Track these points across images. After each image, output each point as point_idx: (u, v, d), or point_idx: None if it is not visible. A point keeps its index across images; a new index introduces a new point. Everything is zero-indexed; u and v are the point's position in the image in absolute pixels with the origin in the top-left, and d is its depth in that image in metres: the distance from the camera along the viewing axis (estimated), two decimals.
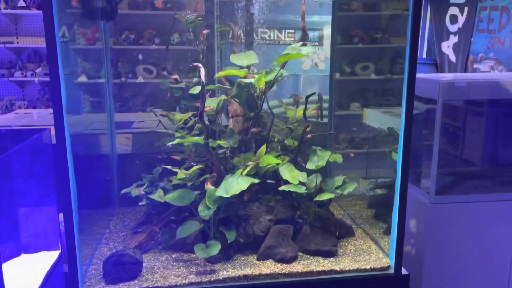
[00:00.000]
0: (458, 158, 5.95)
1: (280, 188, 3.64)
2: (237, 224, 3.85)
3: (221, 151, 3.67)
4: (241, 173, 3.70)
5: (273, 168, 3.79)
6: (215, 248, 3.54)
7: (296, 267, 3.58)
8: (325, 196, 3.65)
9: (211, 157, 3.74)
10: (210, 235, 3.73)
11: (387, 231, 4.15)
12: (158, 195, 3.85)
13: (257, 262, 3.42)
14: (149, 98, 7.81)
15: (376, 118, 5.94)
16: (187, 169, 3.91)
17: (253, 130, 3.79)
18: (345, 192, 3.63)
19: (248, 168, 3.70)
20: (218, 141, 3.73)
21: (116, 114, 5.55)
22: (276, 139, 3.95)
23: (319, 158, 3.79)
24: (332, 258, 3.72)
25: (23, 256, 3.88)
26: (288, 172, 3.78)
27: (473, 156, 5.91)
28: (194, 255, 3.78)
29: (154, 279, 3.45)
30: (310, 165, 3.75)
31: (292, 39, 6.89)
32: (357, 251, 3.86)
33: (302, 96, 5.29)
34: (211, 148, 3.78)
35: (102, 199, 4.75)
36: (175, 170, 3.85)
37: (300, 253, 3.78)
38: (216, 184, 3.83)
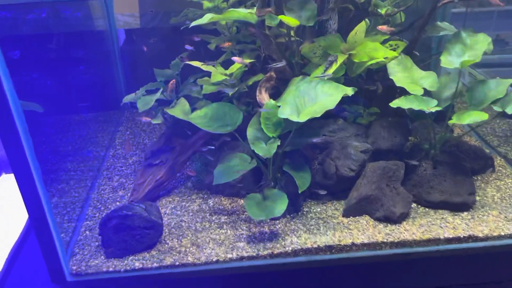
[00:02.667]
0: None
1: (394, 104, 2.03)
2: (309, 157, 2.35)
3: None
4: (323, 74, 2.07)
5: (377, 65, 2.12)
6: (279, 205, 2.14)
7: (409, 230, 2.19)
8: (471, 117, 2.03)
9: (268, 44, 2.08)
10: (268, 176, 2.27)
11: None
12: (180, 110, 2.33)
13: (344, 219, 2.34)
14: None
15: None
16: (225, 66, 2.31)
17: None
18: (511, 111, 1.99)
19: (335, 66, 2.06)
20: (282, 17, 2.03)
21: None
22: (384, 11, 2.19)
23: (467, 48, 2.07)
24: (466, 213, 2.26)
25: None
26: (404, 74, 2.12)
27: None
28: (242, 202, 2.42)
29: (182, 250, 2.14)
30: (449, 62, 2.06)
31: None
32: (505, 199, 2.38)
33: None
34: (267, 27, 2.10)
35: (102, 98, 3.27)
36: (206, 68, 2.24)
37: (413, 205, 2.34)
38: (276, 92, 2.25)
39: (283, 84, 2.39)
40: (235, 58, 2.25)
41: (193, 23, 2.03)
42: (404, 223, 2.27)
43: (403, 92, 2.18)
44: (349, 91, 2.09)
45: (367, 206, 2.29)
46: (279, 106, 2.17)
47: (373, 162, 2.33)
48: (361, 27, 2.16)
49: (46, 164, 2.71)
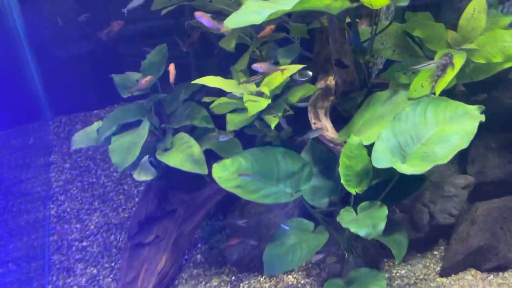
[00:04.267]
0: None
1: None
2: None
3: None
4: (432, 91, 1.33)
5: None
6: None
7: None
8: None
9: (341, 44, 1.28)
10: (342, 245, 1.54)
11: None
12: (185, 157, 1.50)
13: (443, 280, 1.78)
14: None
15: None
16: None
17: None
18: None
19: (452, 73, 1.33)
20: None
21: None
22: None
23: None
24: None
25: None
26: None
27: None
28: (292, 279, 1.71)
29: None
30: None
31: None
32: None
33: None
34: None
35: (9, 107, 2.29)
36: (228, 87, 1.37)
37: None
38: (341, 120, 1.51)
39: (344, 98, 1.58)
40: (259, 67, 1.41)
41: (235, 25, 1.11)
42: None
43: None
44: (478, 113, 1.36)
45: (476, 258, 1.74)
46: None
47: (481, 202, 1.68)
48: (480, 2, 1.40)
49: None
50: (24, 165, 2.23)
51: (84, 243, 1.85)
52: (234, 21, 1.15)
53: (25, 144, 2.38)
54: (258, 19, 1.14)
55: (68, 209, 2.02)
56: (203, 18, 1.45)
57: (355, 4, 1.18)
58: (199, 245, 1.86)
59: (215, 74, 1.89)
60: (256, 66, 1.45)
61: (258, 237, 1.70)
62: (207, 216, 1.87)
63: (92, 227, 1.92)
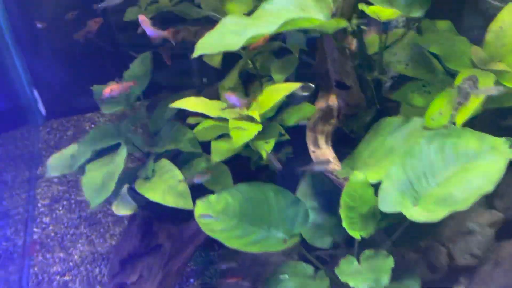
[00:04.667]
0: None
1: None
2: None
3: None
4: (451, 120, 1.13)
5: None
6: None
7: None
8: None
9: (342, 62, 1.09)
10: None
11: None
12: (167, 189, 1.33)
13: None
14: None
15: None
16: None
17: None
18: None
19: (477, 101, 1.14)
20: (374, 8, 1.01)
21: None
22: None
23: None
24: None
25: None
26: None
27: None
28: None
29: None
30: None
31: None
32: None
33: None
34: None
35: None
36: (211, 111, 1.20)
37: None
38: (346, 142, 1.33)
39: (349, 119, 1.39)
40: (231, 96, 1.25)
41: (207, 50, 0.93)
42: None
43: None
44: (507, 148, 1.15)
45: None
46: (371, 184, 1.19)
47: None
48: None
49: None
50: (9, 180, 2.11)
51: (66, 278, 1.71)
52: (207, 45, 0.95)
53: (10, 154, 2.26)
54: (236, 43, 0.95)
55: (52, 234, 1.88)
56: (144, 24, 1.27)
57: (354, 22, 0.98)
58: (192, 280, 1.69)
59: (215, 73, 1.70)
60: (228, 95, 1.28)
61: (253, 278, 1.53)
62: (200, 246, 1.72)
63: (76, 257, 1.77)
